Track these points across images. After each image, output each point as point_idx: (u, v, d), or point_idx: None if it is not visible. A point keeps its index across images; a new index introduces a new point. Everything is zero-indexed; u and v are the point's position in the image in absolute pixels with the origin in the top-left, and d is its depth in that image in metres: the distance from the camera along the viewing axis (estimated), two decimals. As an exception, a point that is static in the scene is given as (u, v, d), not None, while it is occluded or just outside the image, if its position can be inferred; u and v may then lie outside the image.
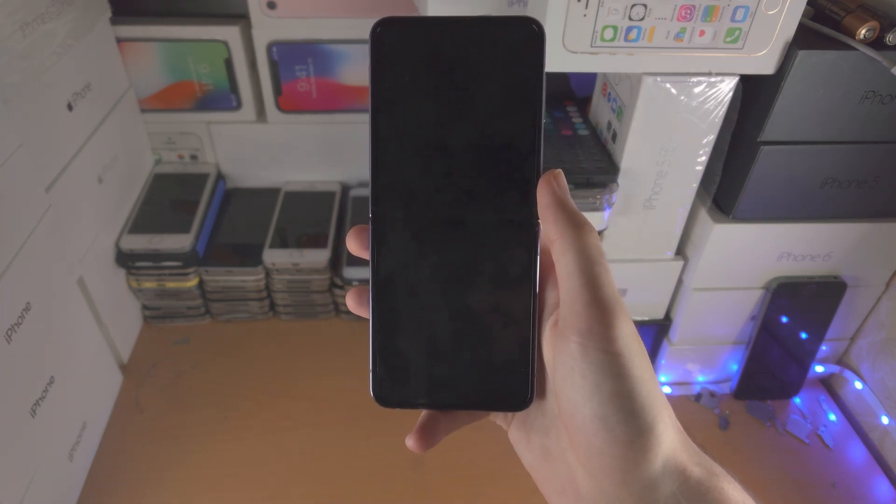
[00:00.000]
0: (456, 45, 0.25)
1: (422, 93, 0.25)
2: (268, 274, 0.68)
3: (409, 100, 0.25)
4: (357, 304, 0.27)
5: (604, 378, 0.22)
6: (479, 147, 0.25)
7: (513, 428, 0.28)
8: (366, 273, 0.66)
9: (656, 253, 0.58)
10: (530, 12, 0.47)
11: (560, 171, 0.25)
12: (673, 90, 0.47)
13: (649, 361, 0.24)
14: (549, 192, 0.25)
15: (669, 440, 0.23)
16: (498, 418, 0.28)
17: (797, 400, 0.65)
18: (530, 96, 0.25)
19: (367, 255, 0.26)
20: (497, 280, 0.26)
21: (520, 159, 0.25)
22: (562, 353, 0.23)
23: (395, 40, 0.25)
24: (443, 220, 0.26)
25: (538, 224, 0.26)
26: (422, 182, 0.26)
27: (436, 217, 0.26)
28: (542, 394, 0.26)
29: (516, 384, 0.26)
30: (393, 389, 0.27)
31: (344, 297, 0.69)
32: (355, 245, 0.27)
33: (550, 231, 0.24)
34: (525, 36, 0.25)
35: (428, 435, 0.26)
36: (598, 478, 0.23)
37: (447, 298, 0.26)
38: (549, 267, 0.26)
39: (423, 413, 0.27)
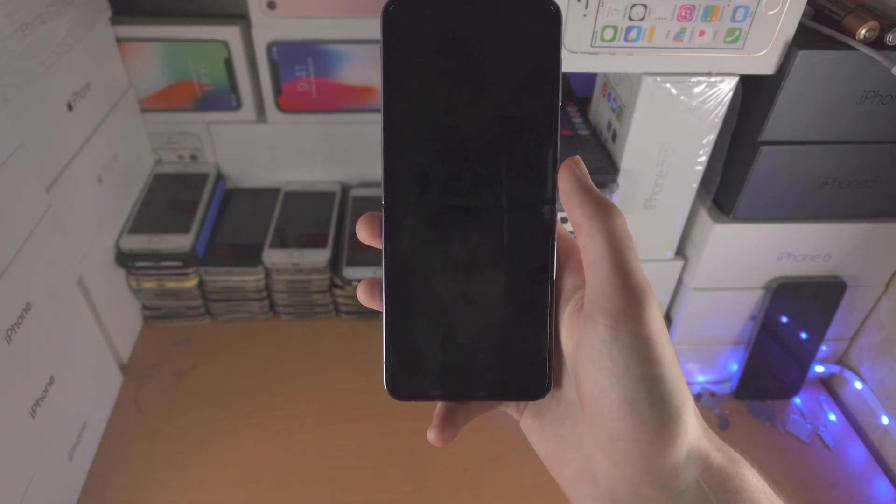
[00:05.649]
0: (470, 25, 0.24)
1: (435, 73, 0.25)
2: (268, 274, 0.68)
3: (423, 81, 0.25)
4: (368, 297, 0.27)
5: (634, 362, 0.22)
6: (494, 131, 0.25)
7: (525, 417, 0.27)
8: (366, 273, 0.67)
9: (656, 253, 0.58)
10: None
11: (578, 157, 0.25)
12: (673, 90, 0.47)
13: (673, 348, 0.24)
14: (571, 178, 0.24)
15: (694, 427, 0.23)
16: (509, 407, 0.28)
17: (797, 400, 0.65)
18: (547, 78, 0.25)
19: (378, 244, 0.26)
20: (514, 267, 0.26)
21: (536, 142, 0.25)
22: (589, 337, 0.23)
23: (407, 19, 0.24)
24: (458, 207, 0.25)
25: (555, 209, 0.25)
26: (436, 167, 0.25)
27: (451, 203, 0.25)
28: (558, 382, 0.26)
29: (535, 373, 0.26)
30: (408, 382, 0.26)
31: (344, 297, 0.69)
32: (366, 233, 0.26)
33: (576, 216, 0.24)
34: (541, 16, 0.24)
35: (449, 427, 0.26)
36: (620, 464, 0.23)
37: (463, 287, 0.26)
38: (564, 252, 0.26)
39: (440, 405, 0.27)
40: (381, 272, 0.26)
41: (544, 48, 0.25)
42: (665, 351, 0.23)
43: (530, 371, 0.26)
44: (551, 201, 0.25)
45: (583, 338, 0.24)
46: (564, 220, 0.47)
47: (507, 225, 0.25)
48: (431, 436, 0.26)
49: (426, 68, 0.25)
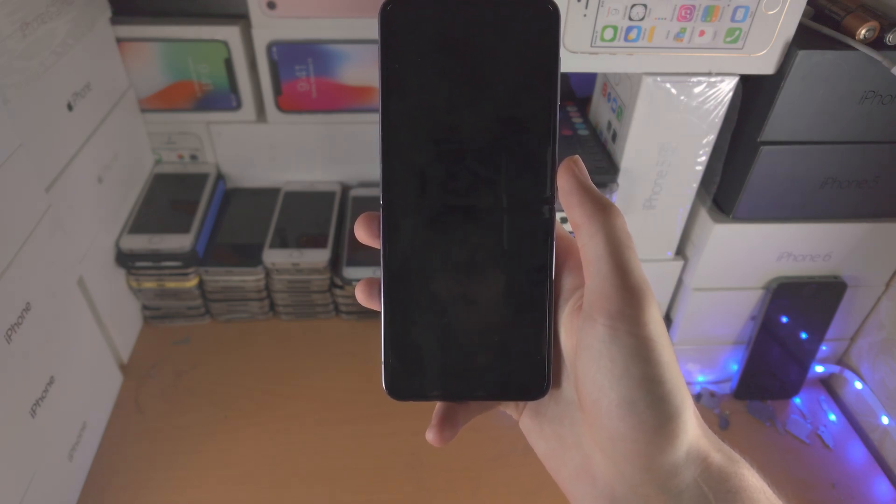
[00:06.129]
0: (468, 24, 0.24)
1: (433, 73, 0.25)
2: (268, 274, 0.68)
3: (421, 80, 0.25)
4: (367, 297, 0.27)
5: (633, 362, 0.22)
6: (492, 130, 0.25)
7: (525, 416, 0.27)
8: (366, 273, 0.67)
9: (656, 253, 0.58)
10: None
11: (578, 157, 0.25)
12: (673, 90, 0.47)
13: (672, 348, 0.24)
14: (571, 177, 0.24)
15: (693, 427, 0.23)
16: (509, 407, 0.28)
17: (797, 400, 0.65)
18: (546, 78, 0.25)
19: (376, 244, 0.26)
20: (513, 267, 0.26)
21: (535, 142, 0.25)
22: (588, 336, 0.23)
23: (405, 19, 0.24)
24: (456, 206, 0.25)
25: (554, 209, 0.25)
26: (434, 167, 0.25)
27: (449, 203, 0.25)
28: (556, 382, 0.26)
29: (534, 373, 0.26)
30: (407, 382, 0.26)
31: (344, 297, 0.69)
32: (364, 233, 0.26)
33: (575, 215, 0.24)
34: (540, 15, 0.24)
35: (448, 427, 0.26)
36: (619, 463, 0.23)
37: (461, 287, 0.26)
38: (563, 252, 0.26)
39: (439, 405, 0.27)
40: (380, 272, 0.26)
41: (543, 48, 0.24)
42: (664, 351, 0.23)
43: (529, 371, 0.26)
44: (550, 201, 0.25)
45: (582, 337, 0.24)
46: (564, 220, 0.47)
47: (506, 225, 0.25)
48: (430, 436, 0.26)
49: (424, 68, 0.25)
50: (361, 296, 0.27)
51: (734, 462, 0.24)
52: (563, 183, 0.25)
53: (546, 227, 0.25)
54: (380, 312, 0.26)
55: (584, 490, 0.25)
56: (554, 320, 0.26)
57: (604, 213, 0.24)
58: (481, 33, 0.24)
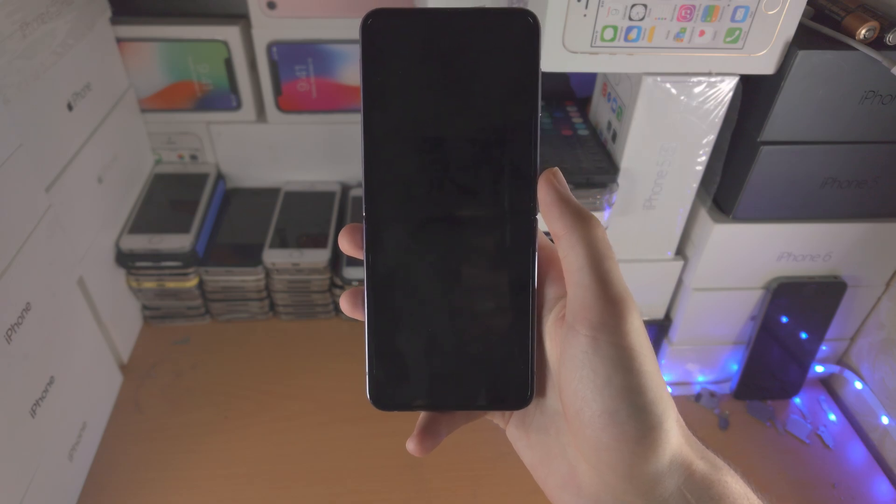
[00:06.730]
0: (449, 38, 0.24)
1: (415, 86, 0.25)
2: (268, 274, 0.68)
3: (402, 93, 0.25)
4: (352, 307, 0.27)
5: (615, 372, 0.22)
6: (474, 141, 0.25)
7: (511, 426, 0.27)
8: (366, 273, 0.67)
9: (656, 253, 0.58)
10: (530, 12, 0.47)
11: (557, 168, 0.25)
12: (673, 90, 0.47)
13: (655, 357, 0.24)
14: (551, 189, 0.25)
15: (676, 435, 0.23)
16: (495, 417, 0.28)
17: (797, 400, 0.65)
18: (526, 89, 0.25)
19: (360, 255, 0.26)
20: (495, 277, 0.26)
21: (517, 153, 0.25)
22: (571, 346, 0.23)
23: (386, 32, 0.24)
24: (439, 217, 0.25)
25: (536, 219, 0.26)
26: (416, 178, 0.25)
27: (432, 214, 0.25)
28: (542, 391, 0.26)
29: (517, 382, 0.26)
30: (390, 392, 0.26)
31: (344, 297, 0.69)
32: (348, 244, 0.26)
33: (556, 227, 0.24)
34: (520, 28, 0.24)
35: (429, 437, 0.26)
36: (603, 473, 0.23)
37: (444, 297, 0.26)
38: (545, 262, 0.26)
39: (422, 415, 0.27)
40: (363, 283, 0.26)
41: (523, 59, 0.25)
42: (646, 360, 0.23)
43: (513, 380, 0.26)
44: (532, 211, 0.25)
45: (565, 348, 0.24)
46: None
47: (488, 235, 0.25)
48: (411, 446, 0.26)
49: (405, 81, 0.25)
50: (346, 306, 0.27)
51: (717, 469, 0.24)
52: (543, 195, 0.25)
53: (528, 237, 0.26)
54: (364, 323, 0.26)
55: (571, 499, 0.25)
56: (538, 330, 0.26)
57: (583, 224, 0.24)
58: (462, 46, 0.24)
